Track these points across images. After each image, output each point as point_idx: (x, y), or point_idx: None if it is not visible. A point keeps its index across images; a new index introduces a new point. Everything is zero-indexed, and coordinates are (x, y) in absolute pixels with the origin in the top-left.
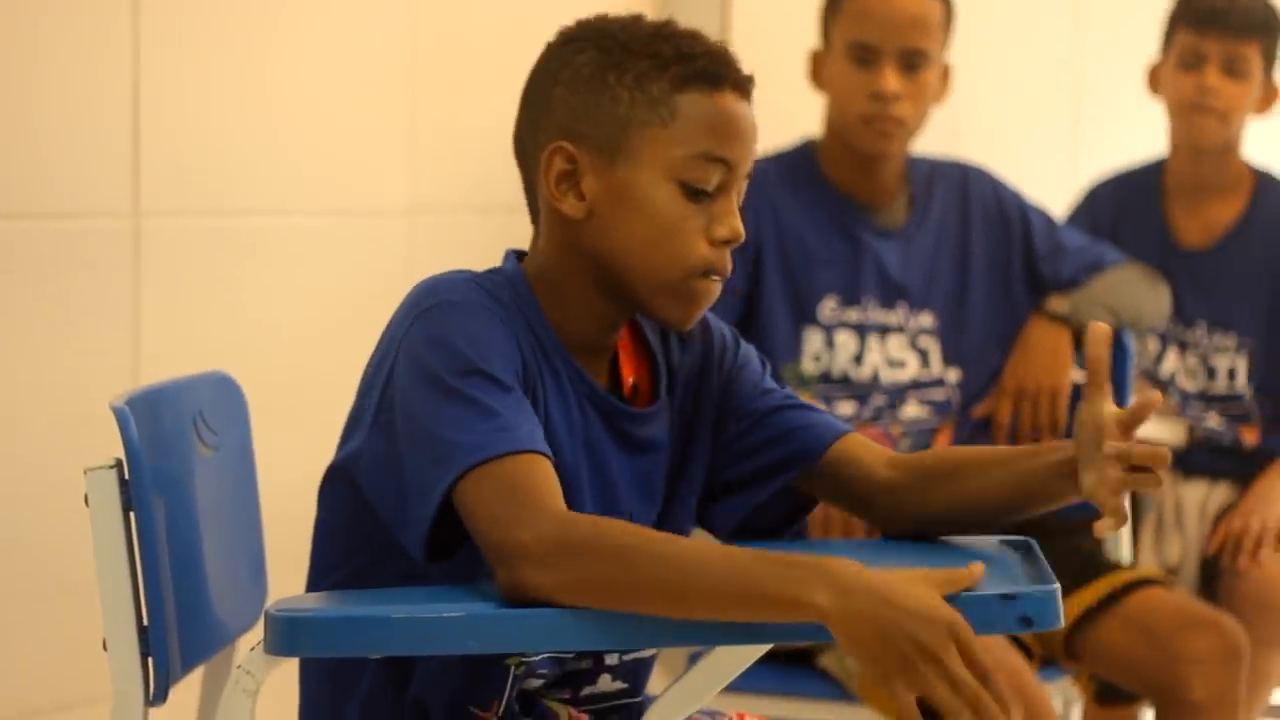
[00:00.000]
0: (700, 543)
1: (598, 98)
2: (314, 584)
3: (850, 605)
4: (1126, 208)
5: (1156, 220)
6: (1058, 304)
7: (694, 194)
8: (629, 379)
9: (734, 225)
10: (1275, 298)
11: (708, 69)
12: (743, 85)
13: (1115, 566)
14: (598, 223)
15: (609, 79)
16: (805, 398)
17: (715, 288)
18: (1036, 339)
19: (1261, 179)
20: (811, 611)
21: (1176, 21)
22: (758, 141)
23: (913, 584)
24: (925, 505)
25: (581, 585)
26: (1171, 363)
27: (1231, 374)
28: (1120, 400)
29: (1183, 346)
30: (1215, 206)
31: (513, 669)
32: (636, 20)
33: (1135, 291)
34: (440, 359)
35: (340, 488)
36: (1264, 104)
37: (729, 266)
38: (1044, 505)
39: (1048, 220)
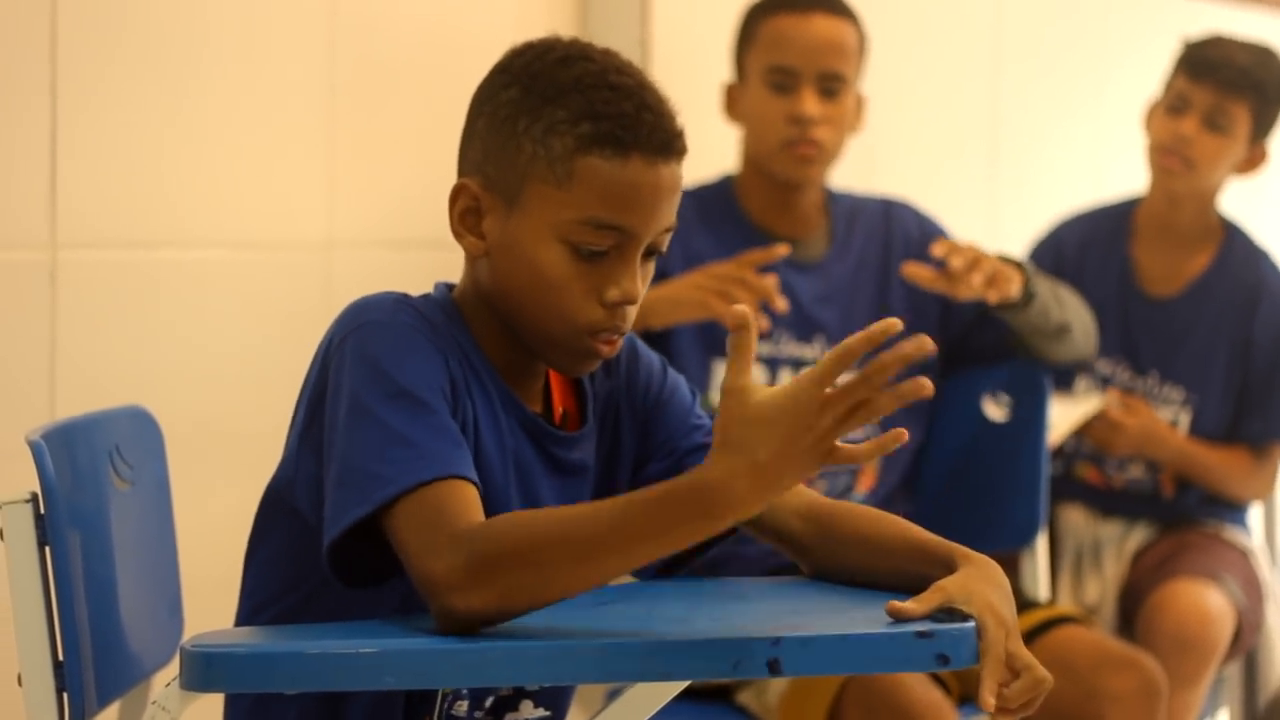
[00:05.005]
0: (593, 503)
1: (505, 143)
2: (253, 614)
3: (752, 471)
4: (1093, 246)
5: (1122, 262)
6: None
7: (586, 255)
8: (559, 404)
9: (627, 288)
10: (1230, 356)
11: (613, 133)
12: (660, 149)
13: (1034, 604)
14: (493, 265)
15: (519, 126)
16: None
17: (606, 347)
18: None
19: (1231, 234)
20: (725, 505)
21: (1178, 65)
22: (675, 200)
23: (767, 420)
24: (823, 563)
25: (506, 599)
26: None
27: (1172, 427)
28: (1037, 440)
29: (1128, 392)
30: (1183, 256)
31: (439, 693)
32: (571, 59)
33: (1076, 304)
34: (365, 380)
35: (278, 514)
36: (1247, 165)
37: (625, 324)
38: None
39: None
